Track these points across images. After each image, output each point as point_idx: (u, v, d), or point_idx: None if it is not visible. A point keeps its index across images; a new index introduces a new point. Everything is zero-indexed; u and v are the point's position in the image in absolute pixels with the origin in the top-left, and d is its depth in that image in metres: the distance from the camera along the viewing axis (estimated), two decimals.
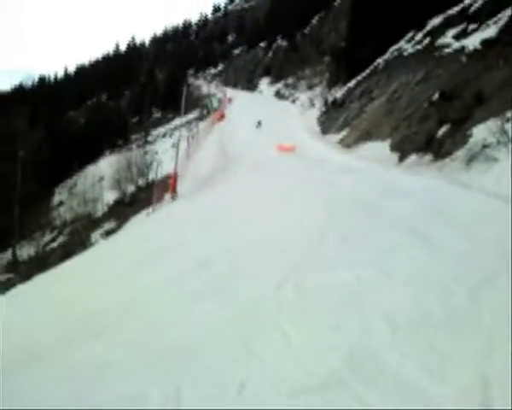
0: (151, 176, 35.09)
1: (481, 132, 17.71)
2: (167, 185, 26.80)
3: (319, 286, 9.27)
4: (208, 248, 13.67)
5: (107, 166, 40.45)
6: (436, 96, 24.80)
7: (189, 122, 49.70)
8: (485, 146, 16.96)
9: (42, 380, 6.93)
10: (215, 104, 59.76)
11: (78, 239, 27.04)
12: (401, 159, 23.13)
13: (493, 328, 6.21)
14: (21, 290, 17.95)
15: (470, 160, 17.19)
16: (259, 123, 36.75)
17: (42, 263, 25.17)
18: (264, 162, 26.13)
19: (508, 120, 16.76)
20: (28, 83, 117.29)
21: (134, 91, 66.05)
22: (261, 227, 14.21)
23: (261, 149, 30.67)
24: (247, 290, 9.82)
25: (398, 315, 7.24)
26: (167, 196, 25.82)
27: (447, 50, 29.82)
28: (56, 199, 44.85)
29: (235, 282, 10.56)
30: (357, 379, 5.59)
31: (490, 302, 7.06)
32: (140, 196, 32.41)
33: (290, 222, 14.08)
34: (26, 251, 33.88)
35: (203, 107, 58.78)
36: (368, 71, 40.46)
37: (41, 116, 52.63)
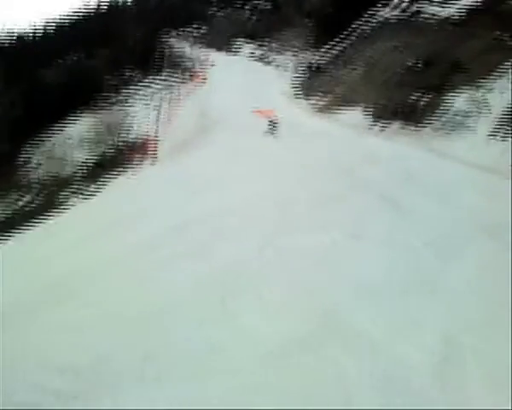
0: (130, 138, 34.75)
1: (457, 101, 17.94)
2: (146, 148, 26.53)
3: (296, 249, 9.43)
4: (186, 212, 13.66)
5: (83, 126, 39.78)
6: (414, 63, 24.86)
7: (169, 84, 49.06)
8: (460, 114, 17.20)
9: (6, 348, 6.85)
10: (196, 66, 58.88)
11: (50, 201, 26.63)
12: (378, 125, 23.25)
13: (460, 291, 6.47)
14: None
15: (444, 128, 17.44)
16: (273, 125, 22.98)
17: (16, 224, 24.74)
18: (243, 126, 25.89)
19: (484, 89, 16.98)
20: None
21: (113, 50, 64.37)
22: (240, 192, 14.25)
23: (240, 113, 30.35)
24: (226, 254, 9.92)
25: (371, 278, 7.47)
26: (146, 159, 25.61)
27: (427, 17, 29.76)
28: (29, 159, 44.01)
29: (213, 246, 10.61)
30: (331, 341, 5.80)
31: (458, 267, 7.32)
32: (118, 159, 32.02)
33: (267, 187, 14.16)
34: None
35: (183, 69, 57.86)
36: (348, 36, 40.17)
37: (14, 74, 51.11)
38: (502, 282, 6.45)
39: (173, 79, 53.29)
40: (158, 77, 33.05)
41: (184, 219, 12.78)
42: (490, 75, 17.57)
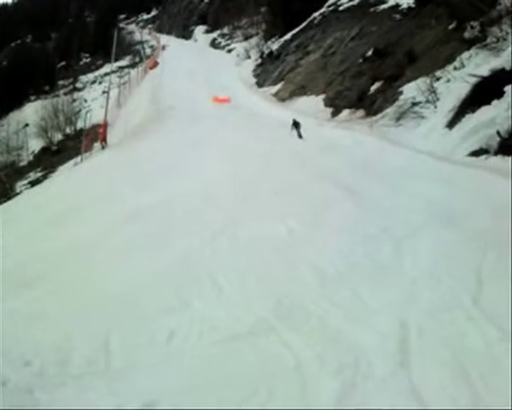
0: (79, 124, 33.72)
1: (411, 90, 18.19)
2: (97, 134, 25.93)
3: (252, 237, 9.39)
4: (140, 200, 13.42)
5: (32, 112, 38.40)
6: (370, 52, 25.15)
7: (120, 69, 48.08)
8: (414, 104, 17.46)
9: None
10: (148, 51, 58.05)
11: (1, 189, 25.73)
12: (334, 114, 23.45)
13: (414, 278, 6.52)
14: None
15: (400, 117, 17.68)
16: (296, 124, 19.99)
17: None
18: (198, 113, 25.77)
19: (437, 79, 17.26)
20: None
21: (61, 34, 62.43)
22: (195, 179, 14.11)
23: (196, 99, 30.19)
24: (181, 242, 9.81)
25: (326, 266, 7.47)
26: (97, 146, 25.04)
27: (382, 7, 30.14)
28: None
29: (169, 234, 10.50)
30: (285, 326, 5.76)
31: (413, 254, 7.39)
32: (68, 145, 31.09)
33: (224, 175, 14.07)
34: None
35: (135, 54, 56.84)
36: (304, 24, 40.31)
37: None
38: (456, 268, 6.53)
39: (125, 64, 52.46)
40: (109, 61, 32.14)
41: (135, 208, 12.58)
42: (443, 65, 17.87)
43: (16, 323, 6.97)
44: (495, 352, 4.60)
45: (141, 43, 62.37)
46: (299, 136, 19.44)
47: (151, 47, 61.81)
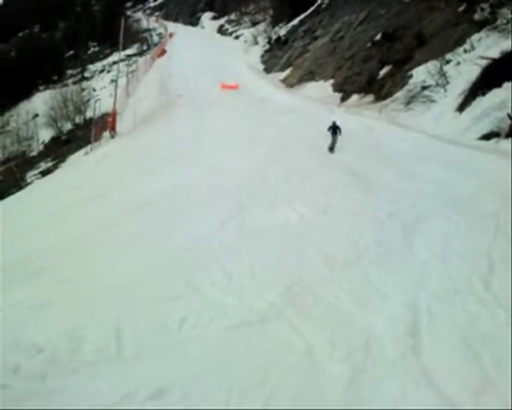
0: (88, 113, 33.50)
1: (421, 74, 18.01)
2: (106, 123, 25.94)
3: (262, 224, 9.40)
4: (149, 187, 13.47)
5: (41, 102, 38.38)
6: (378, 36, 24.88)
7: (128, 57, 48.00)
8: (424, 87, 17.29)
9: None
10: (155, 39, 57.85)
11: (12, 179, 25.85)
12: (343, 99, 23.28)
13: (425, 262, 6.50)
14: None
15: (409, 101, 17.52)
16: (335, 130, 14.97)
17: None
18: (206, 101, 25.67)
19: (447, 62, 17.08)
20: None
21: (69, 23, 62.35)
22: (204, 166, 14.11)
23: (203, 86, 30.07)
24: (190, 229, 9.82)
25: (336, 251, 7.46)
26: (106, 135, 25.08)
27: None
28: None
29: (177, 221, 10.53)
30: (295, 312, 5.77)
31: (423, 239, 7.37)
32: (77, 135, 31.06)
33: (232, 161, 14.04)
34: None
35: (143, 41, 56.68)
36: (312, 9, 39.95)
37: None
38: (467, 252, 6.51)
39: (132, 52, 52.32)
40: (117, 50, 32.01)
41: (145, 196, 12.62)
42: (453, 48, 17.68)
43: (26, 312, 7.02)
44: (505, 335, 4.59)
45: (148, 30, 62.16)
46: (331, 147, 14.47)
47: (158, 35, 61.57)
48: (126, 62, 44.46)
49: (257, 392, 4.52)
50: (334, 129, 14.75)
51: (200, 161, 14.84)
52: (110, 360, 5.51)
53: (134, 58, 48.69)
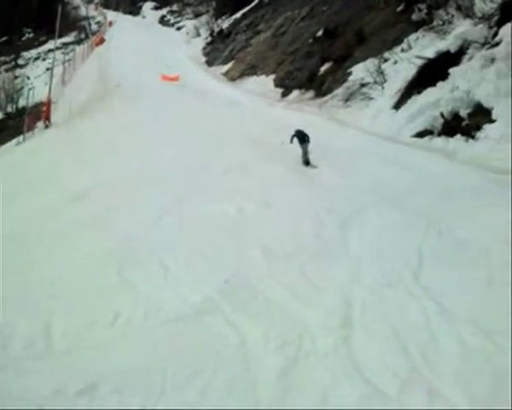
0: (22, 102, 32.34)
1: (360, 71, 18.38)
2: (40, 113, 25.04)
3: (201, 217, 9.35)
4: (85, 180, 13.13)
5: None
6: (320, 33, 25.22)
7: (64, 45, 46.54)
8: (362, 85, 17.67)
9: None
10: (94, 28, 56.42)
11: None
12: (284, 94, 23.46)
13: (359, 256, 6.65)
14: None
15: (349, 98, 17.87)
16: (301, 138, 12.49)
17: None
18: (146, 92, 25.21)
19: (385, 61, 17.51)
20: None
21: (3, 8, 59.66)
22: (143, 159, 13.88)
23: (144, 77, 29.54)
24: (126, 222, 9.66)
25: (274, 245, 7.52)
26: (40, 125, 24.20)
27: None
28: None
29: (114, 214, 10.33)
30: (231, 305, 5.80)
31: (359, 234, 7.53)
32: (9, 124, 29.77)
33: (172, 154, 13.89)
34: None
35: (81, 30, 55.07)
36: (255, 3, 40.08)
37: None
38: (399, 246, 6.70)
39: (70, 40, 50.80)
40: (53, 37, 30.89)
41: (82, 188, 12.31)
42: (391, 46, 18.14)
43: None
44: (433, 326, 4.76)
45: (87, 18, 60.40)
46: (306, 161, 12.23)
47: (97, 23, 60.07)
48: (63, 50, 43.10)
49: (191, 385, 4.52)
50: (302, 137, 12.33)
51: (139, 153, 14.60)
52: (40, 355, 5.38)
53: (71, 46, 47.27)
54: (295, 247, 7.41)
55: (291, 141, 12.36)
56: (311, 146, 12.33)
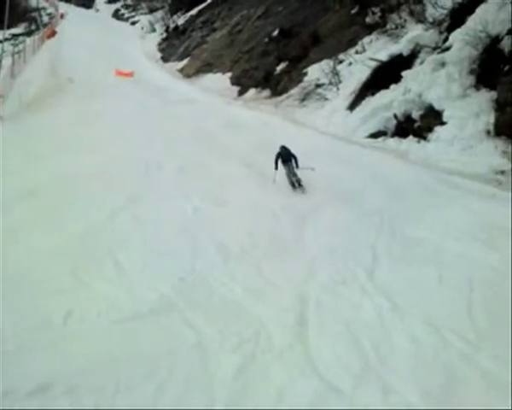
0: None
1: (315, 72, 18.57)
2: None
3: (156, 216, 9.26)
4: (35, 176, 12.73)
5: None
6: (276, 32, 25.34)
7: (14, 37, 45.12)
8: (318, 85, 17.86)
9: None
10: (45, 19, 54.89)
11: None
12: (241, 93, 23.46)
13: (315, 254, 6.74)
14: None
15: (304, 98, 18.02)
16: (285, 157, 10.61)
17: None
18: (100, 87, 24.68)
19: (340, 62, 17.75)
20: None
21: None
22: (95, 156, 13.57)
23: (97, 72, 28.90)
24: (79, 220, 9.46)
25: (230, 243, 7.54)
26: None
27: None
28: None
29: (65, 212, 10.09)
30: (187, 304, 5.79)
31: (313, 232, 7.63)
32: None
33: (127, 152, 13.65)
34: None
35: (31, 21, 53.52)
36: (210, 0, 39.88)
37: None
38: (353, 244, 6.82)
39: (19, 32, 49.29)
40: (1, 28, 29.85)
41: (28, 185, 11.97)
42: (346, 48, 18.40)
43: None
44: (386, 323, 4.87)
45: (37, 10, 58.67)
46: (294, 182, 10.33)
47: (49, 15, 58.48)
48: (12, 42, 41.73)
49: (146, 384, 4.48)
50: (287, 155, 10.54)
51: (92, 150, 14.26)
52: None
53: (21, 38, 45.81)
54: (251, 244, 7.45)
55: (276, 166, 10.40)
56: (296, 166, 10.39)
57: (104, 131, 16.47)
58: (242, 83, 24.39)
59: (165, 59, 36.40)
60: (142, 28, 47.79)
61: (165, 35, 41.91)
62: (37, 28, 49.87)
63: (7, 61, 29.52)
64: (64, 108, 21.10)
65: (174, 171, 11.88)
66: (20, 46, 38.25)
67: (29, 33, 47.94)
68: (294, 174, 10.37)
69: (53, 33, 44.24)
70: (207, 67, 29.35)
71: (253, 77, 24.10)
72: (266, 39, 25.94)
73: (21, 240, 8.83)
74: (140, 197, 10.39)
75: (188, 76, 29.98)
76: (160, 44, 40.62)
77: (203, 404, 4.20)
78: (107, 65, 30.36)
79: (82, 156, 13.80)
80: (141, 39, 43.34)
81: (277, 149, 10.64)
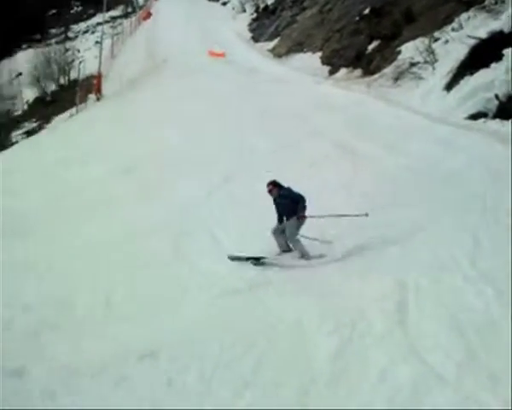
0: (73, 74, 32.90)
1: (409, 50, 17.99)
2: (91, 85, 25.59)
3: (250, 193, 9.45)
4: (134, 152, 13.45)
5: (24, 61, 37.34)
6: (367, 11, 24.74)
7: (112, 19, 46.97)
8: (412, 64, 17.31)
9: None
10: (140, 1, 56.54)
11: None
12: (331, 72, 23.17)
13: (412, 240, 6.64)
14: None
15: (398, 77, 17.53)
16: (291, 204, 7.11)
17: None
18: (194, 67, 25.23)
19: (435, 40, 17.10)
20: None
21: None
22: (191, 134, 14.09)
23: (190, 53, 29.57)
24: (177, 195, 9.88)
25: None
26: (91, 97, 24.73)
27: None
28: None
29: (163, 187, 10.57)
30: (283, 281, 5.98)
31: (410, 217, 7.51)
32: (62, 96, 30.59)
33: (221, 130, 14.01)
34: None
35: (128, 3, 55.35)
36: None
37: None
38: (454, 227, 6.64)
39: (117, 14, 51.16)
40: (101, 10, 31.15)
41: (130, 160, 12.59)
42: (441, 26, 17.69)
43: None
44: (491, 310, 4.71)
45: None
46: (285, 246, 7.31)
47: None
48: (111, 24, 43.55)
49: (246, 357, 4.63)
50: (283, 207, 7.40)
51: (187, 128, 14.80)
52: (98, 321, 5.62)
53: (119, 20, 47.70)
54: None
55: (280, 222, 7.36)
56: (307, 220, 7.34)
57: (197, 109, 16.93)
58: (333, 62, 24.09)
59: (255, 39, 36.54)
60: (233, 8, 48.05)
61: (255, 15, 41.97)
62: (134, 10, 51.55)
63: (107, 42, 30.98)
64: (160, 86, 21.91)
65: (266, 150, 12.04)
66: (119, 28, 39.93)
67: (126, 15, 49.71)
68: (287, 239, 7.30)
69: (148, 15, 45.62)
70: (298, 47, 29.20)
71: (344, 56, 23.74)
72: (357, 18, 25.37)
73: (122, 212, 9.38)
74: (234, 176, 10.67)
75: (278, 56, 29.99)
76: (250, 24, 40.76)
77: (303, 380, 4.21)
78: (200, 45, 31.00)
79: (176, 134, 14.35)
80: (232, 19, 43.67)
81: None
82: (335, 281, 5.89)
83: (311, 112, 14.90)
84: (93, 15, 52.11)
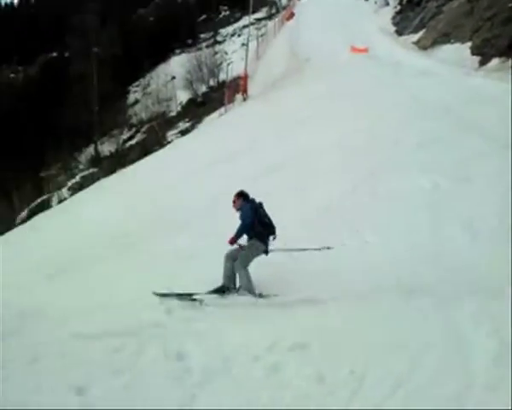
0: (221, 76, 34.71)
1: None
2: (238, 86, 26.84)
3: (393, 190, 9.42)
4: (281, 151, 13.83)
5: (177, 65, 39.95)
6: None
7: (257, 21, 48.48)
8: None
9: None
10: (283, 2, 57.58)
11: (154, 137, 27.77)
12: (482, 63, 21.97)
13: None
14: (104, 184, 19.12)
15: None
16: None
17: (122, 159, 26.11)
18: (336, 64, 25.40)
19: None
20: None
21: None
22: (335, 131, 14.20)
23: (332, 50, 29.63)
24: (321, 193, 10.08)
25: (480, 224, 7.45)
26: (238, 97, 25.97)
27: None
28: (131, 97, 45.19)
29: (310, 184, 10.83)
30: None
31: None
32: (212, 97, 32.36)
33: (364, 127, 13.94)
34: (106, 147, 34.51)
35: (271, 5, 56.76)
36: None
37: (111, 13, 52.21)
38: None
39: (261, 16, 52.67)
40: (246, 14, 32.45)
41: (275, 159, 13.01)
42: None
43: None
44: None
45: None
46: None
47: None
48: (256, 26, 44.99)
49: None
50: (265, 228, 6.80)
51: (332, 125, 14.91)
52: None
53: (263, 22, 49.16)
54: (502, 222, 7.21)
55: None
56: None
57: (341, 106, 17.02)
58: (484, 52, 22.82)
59: (399, 32, 35.67)
60: (376, 3, 47.22)
61: (398, 8, 40.93)
62: (277, 11, 52.81)
63: (252, 44, 32.15)
64: (304, 85, 22.31)
65: (411, 145, 11.78)
66: (263, 30, 41.19)
67: (270, 17, 51.11)
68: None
69: (291, 15, 46.43)
70: (444, 38, 28.04)
71: (495, 45, 22.41)
72: (510, 4, 23.76)
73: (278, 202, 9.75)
74: (377, 171, 10.62)
75: (423, 48, 29.04)
76: (393, 18, 39.85)
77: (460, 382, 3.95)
78: (342, 41, 30.95)
79: (322, 131, 14.54)
80: (374, 14, 42.98)
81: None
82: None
83: (460, 105, 14.27)
84: (239, 19, 54.21)
